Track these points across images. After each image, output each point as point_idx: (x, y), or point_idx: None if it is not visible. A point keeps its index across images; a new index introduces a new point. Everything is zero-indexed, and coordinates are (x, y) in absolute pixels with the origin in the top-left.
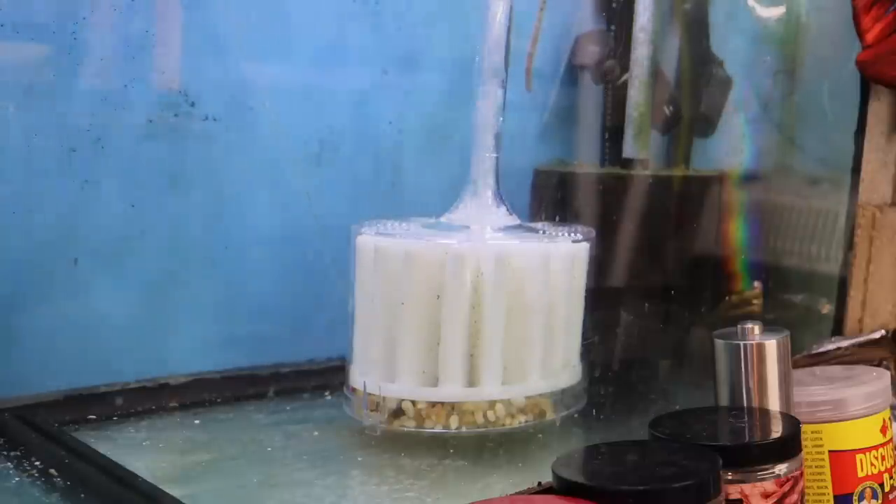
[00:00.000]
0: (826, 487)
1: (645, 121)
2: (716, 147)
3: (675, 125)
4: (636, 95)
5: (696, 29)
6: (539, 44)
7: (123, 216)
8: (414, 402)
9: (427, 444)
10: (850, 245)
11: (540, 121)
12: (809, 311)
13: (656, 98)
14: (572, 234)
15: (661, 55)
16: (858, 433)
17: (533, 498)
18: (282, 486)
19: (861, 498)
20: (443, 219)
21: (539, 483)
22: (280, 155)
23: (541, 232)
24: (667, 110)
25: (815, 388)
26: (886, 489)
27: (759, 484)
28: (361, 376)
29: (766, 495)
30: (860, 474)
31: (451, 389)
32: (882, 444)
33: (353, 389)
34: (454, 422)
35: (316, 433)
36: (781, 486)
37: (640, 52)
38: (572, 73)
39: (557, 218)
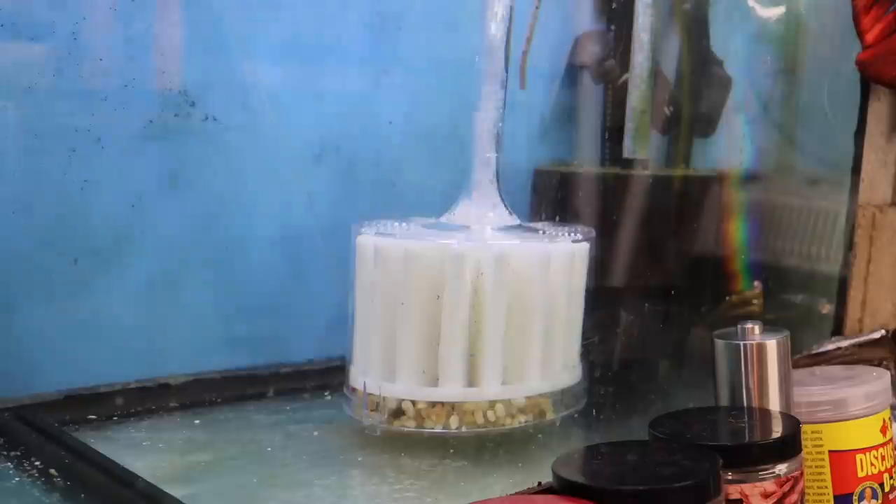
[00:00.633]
0: (826, 487)
1: (645, 121)
2: (716, 147)
3: (675, 125)
4: (636, 95)
5: (696, 29)
6: (539, 44)
7: (123, 216)
8: (414, 402)
9: (427, 444)
10: (850, 245)
11: (540, 121)
12: (809, 311)
13: (656, 98)
14: (572, 234)
15: (661, 55)
16: (858, 433)
17: (533, 498)
18: (282, 486)
19: (861, 498)
20: (443, 219)
21: (539, 483)
22: (280, 155)
23: (541, 232)
24: (667, 110)
25: (815, 388)
26: (886, 489)
27: (759, 484)
28: (361, 376)
29: (766, 495)
30: (860, 474)
31: (451, 389)
32: (882, 444)
33: (353, 389)
34: (454, 422)
35: (316, 433)
36: (781, 486)
37: (640, 52)
38: (572, 73)
39: (557, 218)
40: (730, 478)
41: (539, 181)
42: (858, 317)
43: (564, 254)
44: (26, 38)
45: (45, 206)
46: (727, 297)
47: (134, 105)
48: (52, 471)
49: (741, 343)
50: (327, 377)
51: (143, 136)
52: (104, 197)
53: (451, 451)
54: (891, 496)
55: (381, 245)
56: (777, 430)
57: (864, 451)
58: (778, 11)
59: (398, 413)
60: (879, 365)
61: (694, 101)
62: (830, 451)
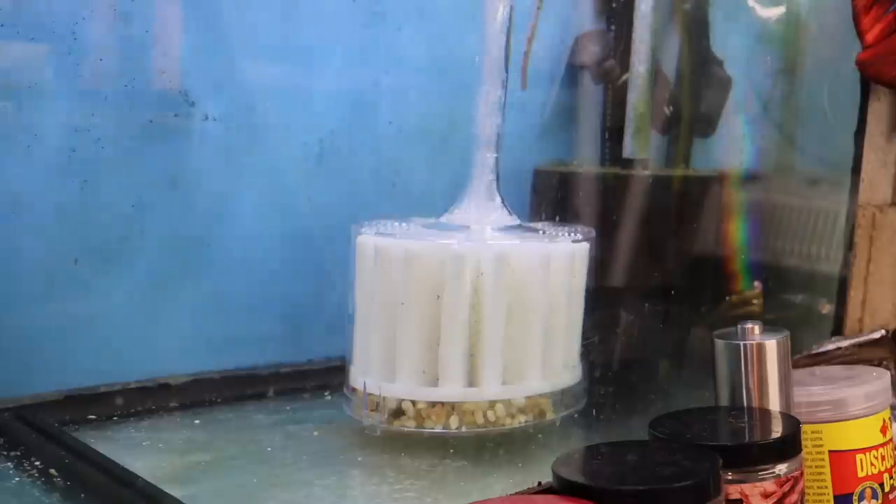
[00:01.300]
0: (826, 487)
1: (645, 121)
2: (716, 147)
3: (675, 125)
4: (636, 95)
5: (696, 29)
6: (539, 44)
7: (123, 216)
8: (414, 402)
9: (427, 444)
10: (850, 245)
11: (540, 121)
12: (809, 311)
13: (656, 98)
14: (572, 234)
15: (661, 55)
16: (858, 433)
17: (533, 498)
18: (282, 486)
19: (861, 498)
20: (443, 219)
21: (539, 483)
22: (280, 155)
23: (541, 232)
24: (667, 110)
25: (815, 388)
26: (886, 489)
27: (759, 484)
28: (361, 376)
29: (766, 495)
30: (860, 474)
31: (451, 389)
32: (882, 444)
33: (353, 389)
34: (454, 422)
35: (316, 433)
36: (781, 486)
37: (640, 52)
38: (572, 73)
39: (557, 218)
40: (730, 478)
41: (539, 181)
42: (858, 317)
43: (564, 254)
44: (26, 38)
45: (45, 206)
46: (727, 297)
47: (134, 105)
48: (52, 471)
49: (741, 343)
50: (327, 377)
51: (143, 136)
52: (104, 197)
53: (451, 451)
54: (891, 496)
55: (381, 245)
56: (777, 430)
57: (864, 451)
58: (778, 11)
59: (398, 413)
60: (879, 365)
61: (694, 101)
62: (830, 451)
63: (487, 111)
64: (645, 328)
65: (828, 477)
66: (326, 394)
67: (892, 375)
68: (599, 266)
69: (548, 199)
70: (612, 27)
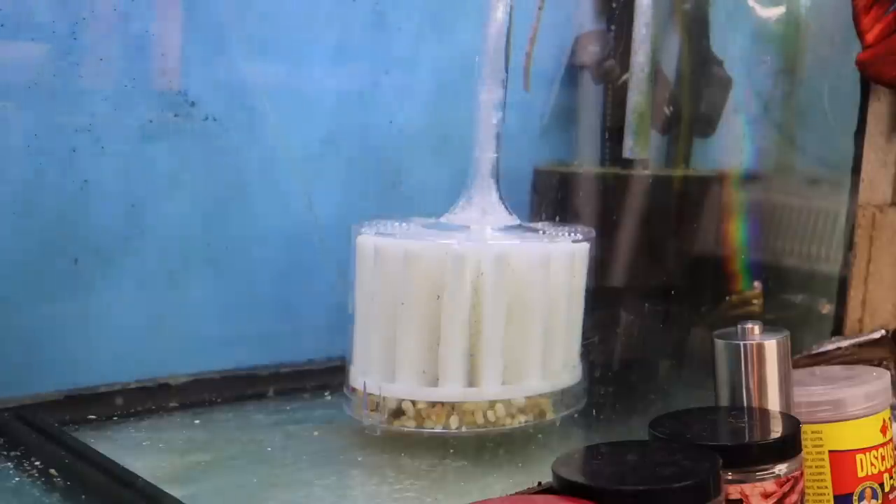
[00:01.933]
0: (826, 487)
1: (645, 121)
2: (716, 147)
3: (675, 125)
4: (636, 95)
5: (696, 29)
6: (539, 44)
7: (123, 216)
8: (414, 402)
9: (427, 444)
10: (850, 245)
11: (540, 121)
12: (809, 311)
13: (656, 98)
14: (572, 234)
15: (661, 55)
16: (858, 433)
17: (533, 498)
18: (282, 486)
19: (861, 498)
20: (443, 219)
21: (539, 483)
22: (280, 155)
23: (541, 232)
24: (667, 110)
25: (815, 388)
26: (886, 489)
27: (759, 484)
28: (361, 376)
29: (766, 495)
30: (860, 474)
31: (451, 389)
32: (882, 444)
33: (353, 389)
34: (454, 422)
35: (316, 433)
36: (781, 486)
37: (640, 52)
38: (572, 73)
39: (557, 218)
40: (730, 478)
41: (539, 181)
42: (858, 317)
43: (564, 254)
44: (26, 38)
45: (45, 206)
46: (727, 297)
47: (134, 105)
48: (52, 471)
49: (741, 343)
50: (327, 377)
51: (143, 136)
52: (104, 197)
53: (451, 451)
54: (891, 496)
55: (381, 245)
56: (777, 430)
57: (864, 451)
58: (778, 11)
59: (398, 413)
60: (879, 365)
61: (694, 101)
62: (830, 451)
63: (487, 111)
64: (645, 328)
65: (828, 477)
66: (326, 394)
67: (892, 375)
68: (599, 266)
69: (548, 199)
70: (612, 27)
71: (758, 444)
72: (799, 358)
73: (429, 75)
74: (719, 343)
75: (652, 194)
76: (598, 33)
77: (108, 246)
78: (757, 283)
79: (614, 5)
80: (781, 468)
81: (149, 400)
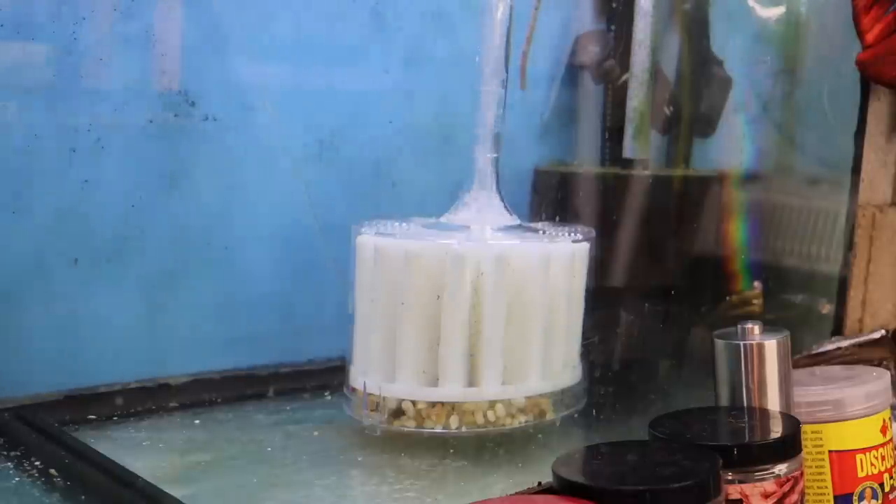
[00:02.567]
0: (826, 487)
1: (645, 121)
2: (716, 147)
3: (675, 125)
4: (636, 95)
5: (696, 29)
6: (539, 44)
7: (123, 216)
8: (414, 402)
9: (427, 444)
10: (850, 245)
11: (540, 121)
12: (809, 311)
13: (656, 98)
14: (572, 234)
15: (661, 55)
16: (858, 433)
17: (533, 498)
18: (282, 486)
19: (861, 498)
20: (443, 219)
21: (539, 483)
22: (280, 155)
23: (541, 232)
24: (667, 110)
25: (815, 388)
26: (886, 489)
27: (759, 484)
28: (361, 376)
29: (766, 495)
30: (860, 474)
31: (451, 389)
32: (882, 444)
33: (353, 389)
34: (454, 422)
35: (316, 433)
36: (781, 486)
37: (640, 52)
38: (572, 73)
39: (557, 218)
40: (730, 478)
41: (539, 181)
42: (858, 317)
43: (564, 254)
44: (26, 38)
45: (45, 206)
46: (727, 297)
47: (134, 105)
48: (52, 471)
49: (741, 343)
50: (327, 377)
51: (143, 136)
52: (104, 197)
53: (451, 451)
54: (891, 496)
55: (381, 245)
56: (777, 430)
57: (864, 451)
58: (778, 11)
59: (398, 413)
60: (879, 365)
61: (694, 101)
62: (830, 451)
63: (487, 111)
64: (645, 328)
65: (828, 477)
66: (326, 394)
67: (892, 375)
68: (599, 266)
69: (548, 199)
70: (612, 27)
71: (758, 444)
72: (799, 358)
73: (429, 75)
74: (719, 343)
75: (652, 194)
76: (598, 33)
77: (108, 246)
78: (757, 283)
79: (614, 5)
80: (781, 468)
81: (149, 400)
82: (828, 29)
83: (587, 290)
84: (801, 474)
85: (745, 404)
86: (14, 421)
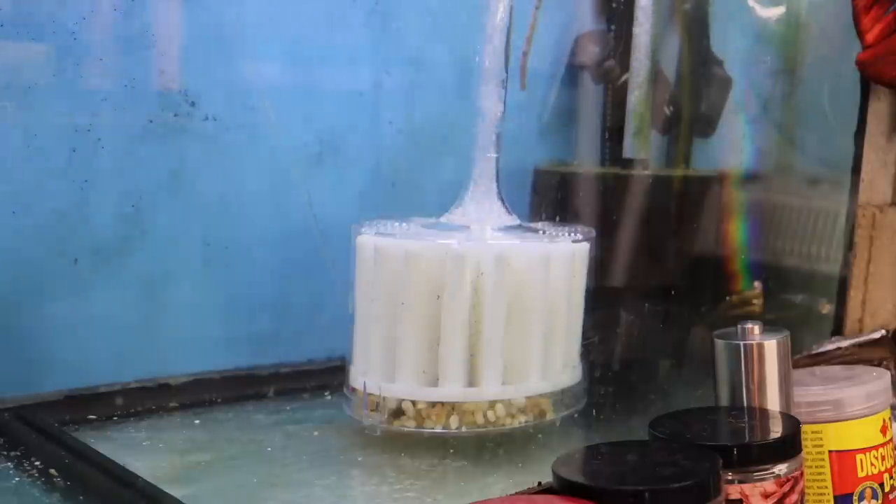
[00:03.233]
0: (826, 487)
1: (645, 121)
2: (716, 147)
3: (675, 125)
4: (636, 95)
5: (696, 29)
6: (539, 44)
7: (123, 216)
8: (414, 402)
9: (427, 444)
10: (850, 245)
11: (540, 121)
12: (809, 311)
13: (656, 98)
14: (572, 234)
15: (661, 55)
16: (858, 433)
17: (533, 498)
18: (282, 486)
19: (861, 498)
20: (443, 219)
21: (539, 483)
22: (280, 155)
23: (541, 232)
24: (667, 110)
25: (815, 388)
26: (886, 489)
27: (759, 484)
28: (361, 376)
29: (766, 495)
30: (860, 474)
31: (451, 389)
32: (882, 444)
33: (353, 389)
34: (454, 422)
35: (316, 433)
36: (781, 486)
37: (640, 52)
38: (572, 73)
39: (557, 218)
40: (730, 478)
41: (539, 181)
42: (858, 317)
43: (564, 254)
44: (26, 38)
45: (45, 206)
46: (727, 297)
47: (134, 105)
48: (52, 471)
49: (741, 343)
50: (327, 377)
51: (143, 136)
52: (104, 197)
53: (451, 451)
54: (891, 496)
55: (381, 245)
56: (777, 430)
57: (864, 451)
58: (778, 11)
59: (398, 413)
60: (879, 365)
61: (694, 101)
62: (830, 451)
63: (487, 111)
64: (645, 328)
65: (828, 477)
66: (326, 394)
67: (892, 375)
68: (599, 266)
69: (548, 199)
70: (612, 27)
71: (758, 444)
72: (799, 358)
73: (429, 75)
74: (719, 343)
75: (652, 194)
76: (598, 33)
77: (108, 246)
78: (757, 283)
79: (614, 5)
80: (781, 468)
81: (149, 400)
82: (828, 29)
83: (587, 290)
84: (801, 474)
85: (745, 404)
86: (14, 421)
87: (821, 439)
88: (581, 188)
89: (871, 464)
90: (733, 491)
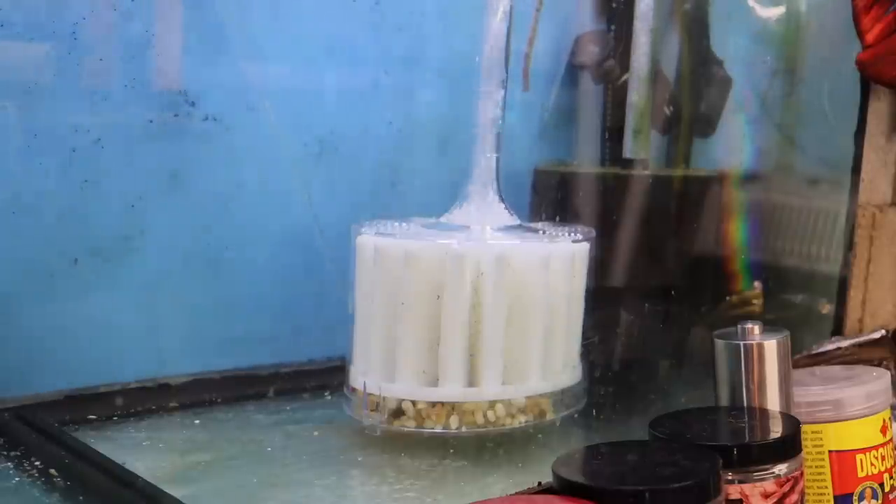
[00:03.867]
0: (826, 487)
1: (645, 121)
2: (716, 147)
3: (675, 125)
4: (636, 95)
5: (696, 29)
6: (539, 44)
7: (123, 216)
8: (414, 402)
9: (427, 444)
10: (850, 245)
11: (540, 121)
12: (809, 311)
13: (656, 98)
14: (572, 234)
15: (661, 55)
16: (858, 433)
17: (533, 498)
18: (282, 486)
19: (861, 498)
20: (443, 219)
21: (539, 483)
22: (280, 155)
23: (541, 232)
24: (667, 110)
25: (815, 388)
26: (886, 489)
27: (759, 484)
28: (361, 376)
29: (766, 495)
30: (860, 474)
31: (451, 389)
32: (882, 444)
33: (353, 389)
34: (454, 422)
35: (316, 433)
36: (781, 486)
37: (640, 52)
38: (572, 73)
39: (557, 218)
40: (730, 478)
41: (539, 181)
42: (858, 317)
43: (564, 254)
44: (26, 38)
45: (45, 206)
46: (727, 297)
47: (134, 105)
48: (52, 471)
49: (741, 343)
50: (327, 377)
51: (143, 136)
52: (104, 197)
53: (451, 451)
54: (891, 496)
55: (381, 245)
56: (777, 430)
57: (864, 451)
58: (778, 11)
59: (398, 413)
60: (879, 365)
61: (694, 101)
62: (830, 451)
63: (487, 111)
64: (645, 328)
65: (828, 477)
66: (326, 394)
67: (892, 375)
68: (599, 266)
69: (548, 199)
70: (612, 27)
71: (758, 444)
72: (799, 358)
73: (429, 75)
74: (719, 343)
75: (652, 194)
76: (598, 33)
77: (108, 246)
78: (757, 283)
79: (614, 5)
80: (781, 468)
81: (149, 400)
82: (828, 29)
83: (587, 290)
84: (801, 474)
85: (745, 404)
86: (14, 421)
87: (821, 439)
88: (581, 188)
89: (871, 464)
90: (733, 491)
